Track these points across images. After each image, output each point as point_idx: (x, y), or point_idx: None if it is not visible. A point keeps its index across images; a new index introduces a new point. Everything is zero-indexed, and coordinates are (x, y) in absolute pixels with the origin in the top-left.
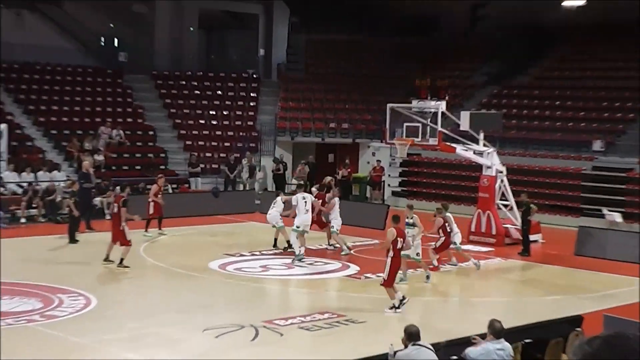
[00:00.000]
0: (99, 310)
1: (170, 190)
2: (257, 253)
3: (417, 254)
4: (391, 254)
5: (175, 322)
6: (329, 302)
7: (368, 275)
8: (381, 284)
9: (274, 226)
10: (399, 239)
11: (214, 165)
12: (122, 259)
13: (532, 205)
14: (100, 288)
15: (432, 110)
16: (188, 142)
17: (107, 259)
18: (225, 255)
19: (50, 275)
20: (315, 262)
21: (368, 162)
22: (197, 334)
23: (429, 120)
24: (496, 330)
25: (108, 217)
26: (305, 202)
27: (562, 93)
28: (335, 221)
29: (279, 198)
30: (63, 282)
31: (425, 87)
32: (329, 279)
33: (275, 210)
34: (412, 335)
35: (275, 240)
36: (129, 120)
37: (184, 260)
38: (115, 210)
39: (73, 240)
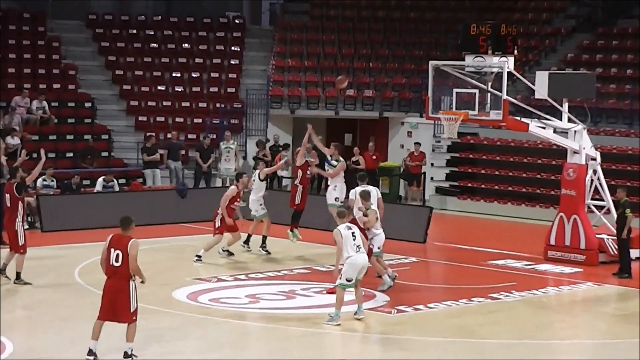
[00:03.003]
0: None
1: (117, 188)
2: (243, 277)
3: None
4: None
5: None
6: (346, 346)
7: (401, 307)
8: None
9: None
10: None
11: (180, 152)
12: (18, 273)
13: (627, 211)
14: (17, 328)
15: (495, 70)
16: (141, 119)
17: (3, 271)
18: (196, 280)
19: None
20: (326, 289)
21: (402, 146)
22: None
23: (489, 84)
24: None
25: (26, 226)
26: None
27: None
28: (377, 237)
29: (256, 173)
30: None
31: (485, 36)
32: (345, 314)
33: (255, 194)
34: None
35: (249, 237)
36: (56, 86)
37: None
38: (8, 203)
39: None
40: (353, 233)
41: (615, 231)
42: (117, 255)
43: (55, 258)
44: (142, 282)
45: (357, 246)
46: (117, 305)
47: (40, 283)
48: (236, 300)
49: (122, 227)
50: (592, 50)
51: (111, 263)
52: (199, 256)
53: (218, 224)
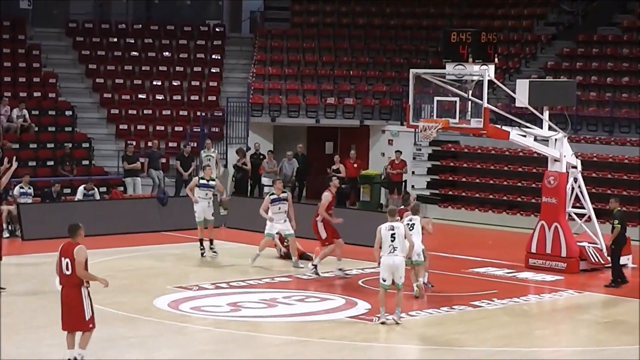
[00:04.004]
0: None
1: (98, 196)
2: (224, 285)
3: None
4: None
5: None
6: (328, 355)
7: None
8: None
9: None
10: None
11: (160, 161)
12: None
13: (615, 222)
14: None
15: (476, 78)
16: (122, 127)
17: None
18: (177, 288)
19: None
20: (308, 297)
21: (383, 154)
22: None
23: (470, 92)
24: None
25: (6, 234)
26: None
27: None
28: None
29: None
30: None
31: (466, 44)
32: (326, 322)
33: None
34: None
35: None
36: (37, 94)
37: (117, 295)
38: None
39: None
40: (393, 234)
41: (595, 239)
42: (67, 263)
43: (36, 266)
44: (105, 286)
45: (393, 247)
46: (71, 314)
47: (20, 291)
48: (218, 309)
49: (69, 234)
50: (572, 57)
51: (63, 272)
52: (315, 265)
53: (324, 234)
